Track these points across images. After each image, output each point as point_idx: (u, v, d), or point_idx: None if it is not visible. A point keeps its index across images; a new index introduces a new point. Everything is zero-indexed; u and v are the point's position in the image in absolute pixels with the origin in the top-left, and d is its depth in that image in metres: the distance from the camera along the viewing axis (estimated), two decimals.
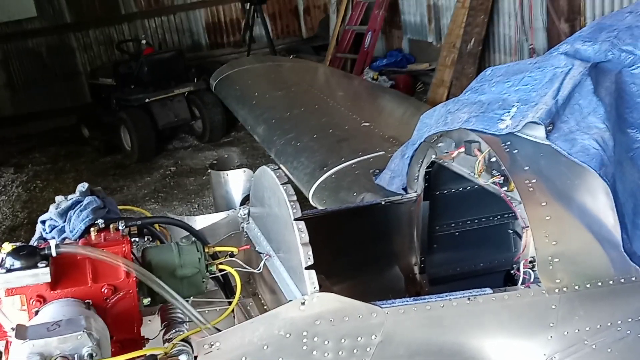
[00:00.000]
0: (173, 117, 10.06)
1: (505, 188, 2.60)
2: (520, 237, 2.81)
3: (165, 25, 13.38)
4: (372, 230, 3.33)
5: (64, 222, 2.35)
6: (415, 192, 3.29)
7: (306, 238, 2.22)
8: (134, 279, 2.17)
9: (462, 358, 2.38)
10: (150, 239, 2.52)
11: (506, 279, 3.07)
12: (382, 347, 2.26)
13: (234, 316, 2.57)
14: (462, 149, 2.81)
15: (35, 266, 2.05)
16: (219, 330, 2.17)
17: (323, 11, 14.01)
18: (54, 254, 2.10)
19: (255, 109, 6.36)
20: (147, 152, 10.00)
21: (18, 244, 2.14)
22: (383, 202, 3.31)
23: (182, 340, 2.10)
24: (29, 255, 2.07)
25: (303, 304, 2.18)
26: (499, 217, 3.46)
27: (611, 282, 2.42)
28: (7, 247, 2.10)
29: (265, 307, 2.78)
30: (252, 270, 2.57)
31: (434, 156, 3.09)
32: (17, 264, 2.05)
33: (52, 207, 2.41)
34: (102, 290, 2.14)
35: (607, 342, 2.40)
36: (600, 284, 2.41)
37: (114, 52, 11.93)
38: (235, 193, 3.34)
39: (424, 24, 11.48)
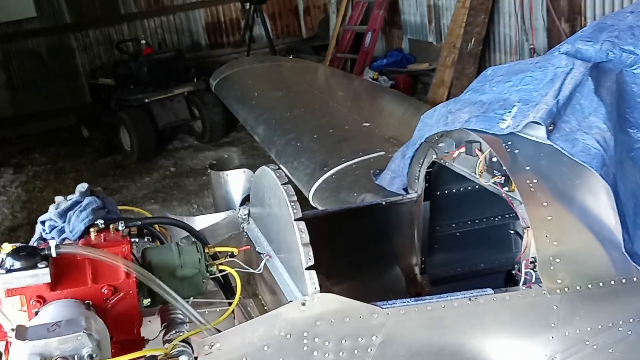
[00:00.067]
0: (173, 117, 10.06)
1: (506, 188, 2.59)
2: (521, 237, 2.81)
3: (164, 25, 13.36)
4: (372, 231, 3.33)
5: (64, 222, 2.35)
6: (416, 192, 3.29)
7: (307, 238, 2.22)
8: (134, 279, 2.16)
9: (463, 358, 2.38)
10: (150, 240, 2.51)
11: (507, 280, 3.07)
12: (383, 348, 2.26)
13: (234, 317, 2.56)
14: (463, 149, 2.80)
15: (35, 267, 2.05)
16: (219, 331, 2.17)
17: (323, 11, 14.00)
18: (53, 254, 2.10)
19: (255, 109, 6.35)
20: (147, 153, 9.99)
21: (18, 244, 2.13)
22: (383, 203, 3.31)
23: (183, 341, 2.10)
24: (29, 256, 2.06)
25: (304, 304, 2.17)
26: (499, 217, 3.46)
27: (612, 282, 2.41)
28: (7, 247, 2.10)
29: (265, 308, 2.78)
30: (252, 270, 2.57)
31: (434, 156, 3.09)
32: (17, 264, 2.04)
33: (51, 208, 2.41)
34: (102, 290, 2.14)
35: (608, 343, 2.40)
36: (601, 284, 2.40)
37: (114, 53, 11.90)
38: (235, 193, 3.34)
39: (424, 24, 11.48)
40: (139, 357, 1.97)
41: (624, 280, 2.42)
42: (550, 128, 2.55)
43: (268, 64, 8.52)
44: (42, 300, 2.08)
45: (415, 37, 11.89)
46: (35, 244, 2.27)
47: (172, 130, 10.55)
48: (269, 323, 2.18)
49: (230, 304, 2.37)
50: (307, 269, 2.20)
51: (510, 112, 2.68)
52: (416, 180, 3.28)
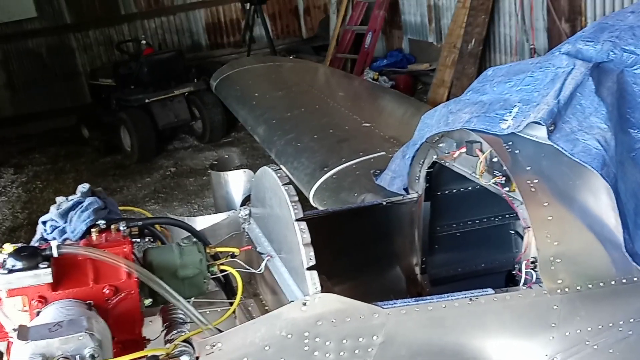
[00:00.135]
0: (173, 117, 10.06)
1: (507, 188, 2.59)
2: (521, 237, 2.82)
3: (165, 25, 13.36)
4: (373, 231, 3.33)
5: (65, 222, 2.35)
6: (417, 192, 3.29)
7: (308, 238, 2.22)
8: (136, 279, 2.16)
9: (463, 358, 2.38)
10: (152, 240, 2.51)
11: (508, 280, 3.07)
12: (384, 348, 2.26)
13: (235, 317, 2.56)
14: (464, 149, 2.80)
15: (36, 267, 2.05)
16: (221, 331, 2.17)
17: (323, 11, 14.00)
18: (55, 254, 2.09)
19: (255, 109, 6.35)
20: (147, 153, 10.00)
21: (19, 244, 2.13)
22: (384, 203, 3.31)
23: (184, 341, 2.10)
24: (31, 256, 2.06)
25: (305, 304, 2.18)
26: (500, 217, 3.46)
27: (613, 282, 2.41)
28: (9, 248, 2.09)
29: (266, 308, 2.78)
30: (253, 270, 2.57)
31: (435, 156, 3.09)
32: (19, 264, 2.04)
33: (53, 208, 2.41)
34: (104, 291, 2.14)
35: (608, 343, 2.40)
36: (602, 284, 2.40)
37: (114, 53, 11.90)
38: (235, 194, 3.34)
39: (424, 24, 11.47)
40: (140, 357, 1.97)
41: (624, 281, 2.42)
42: (551, 128, 2.55)
43: (268, 64, 8.52)
44: (44, 301, 2.08)
45: (416, 37, 11.89)
46: (36, 245, 2.28)
47: (173, 131, 10.56)
48: (270, 323, 2.18)
49: (231, 304, 2.37)
50: (308, 269, 2.20)
51: (511, 112, 2.68)
52: (417, 181, 3.28)
